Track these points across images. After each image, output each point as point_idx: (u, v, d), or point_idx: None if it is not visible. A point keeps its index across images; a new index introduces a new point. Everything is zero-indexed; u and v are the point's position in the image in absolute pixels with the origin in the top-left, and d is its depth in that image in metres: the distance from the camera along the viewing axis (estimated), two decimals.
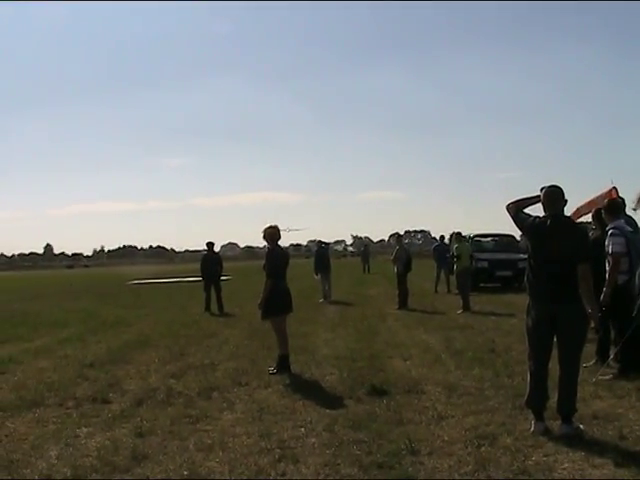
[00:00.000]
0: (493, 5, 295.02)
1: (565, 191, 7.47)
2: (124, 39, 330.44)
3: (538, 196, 7.52)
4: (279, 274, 11.64)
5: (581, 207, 15.18)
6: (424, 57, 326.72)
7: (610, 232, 9.93)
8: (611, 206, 10.46)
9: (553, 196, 7.42)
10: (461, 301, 20.67)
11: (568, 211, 7.88)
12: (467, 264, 21.51)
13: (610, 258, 9.79)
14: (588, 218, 12.94)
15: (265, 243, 11.99)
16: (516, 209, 7.64)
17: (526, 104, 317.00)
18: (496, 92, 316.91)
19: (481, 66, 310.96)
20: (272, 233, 11.77)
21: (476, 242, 29.59)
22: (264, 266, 11.67)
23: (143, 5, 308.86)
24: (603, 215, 10.53)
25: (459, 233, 22.88)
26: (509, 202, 7.70)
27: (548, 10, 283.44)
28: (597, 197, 13.94)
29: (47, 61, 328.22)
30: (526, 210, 7.67)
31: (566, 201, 7.49)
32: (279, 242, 11.93)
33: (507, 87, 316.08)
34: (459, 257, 21.41)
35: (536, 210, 7.61)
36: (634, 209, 7.83)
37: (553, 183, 7.50)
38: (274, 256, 11.70)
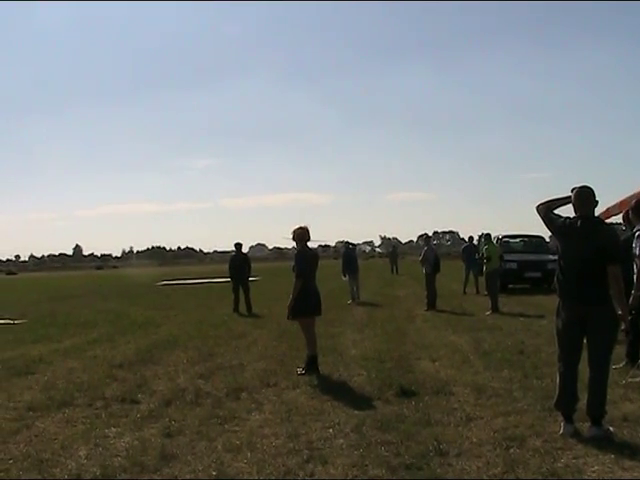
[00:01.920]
0: (519, 4, 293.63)
1: (596, 192, 7.42)
2: (151, 41, 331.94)
3: (569, 197, 7.47)
4: (308, 275, 11.64)
5: (611, 207, 15.08)
6: (450, 56, 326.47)
7: (637, 234, 9.84)
8: (638, 207, 10.36)
9: (584, 197, 7.37)
10: (490, 302, 20.59)
11: (597, 211, 7.81)
12: (497, 265, 21.42)
13: (637, 260, 9.70)
14: (619, 219, 12.84)
15: (294, 244, 12.00)
16: (546, 210, 7.60)
17: (555, 103, 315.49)
18: (524, 91, 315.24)
19: (509, 65, 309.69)
20: (301, 234, 11.77)
21: (505, 243, 29.47)
22: (293, 267, 11.68)
23: (169, 5, 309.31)
24: (630, 216, 10.45)
25: (489, 234, 22.81)
26: (539, 203, 7.66)
27: (576, 8, 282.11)
28: (629, 197, 13.81)
29: (76, 64, 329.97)
30: (556, 211, 7.63)
31: (597, 202, 7.44)
32: (308, 243, 11.94)
33: (535, 86, 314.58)
34: (489, 258, 21.34)
35: (566, 211, 7.58)
36: None
37: (584, 184, 7.46)
38: (303, 257, 11.71)
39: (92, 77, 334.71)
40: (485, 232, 23.16)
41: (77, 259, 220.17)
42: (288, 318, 11.79)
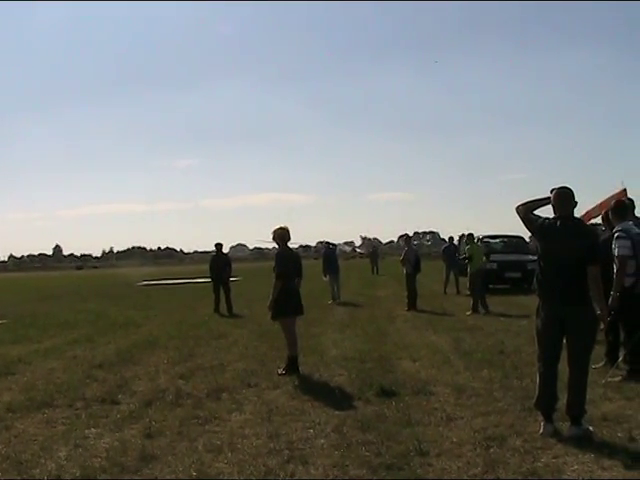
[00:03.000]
0: (500, 6, 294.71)
1: (575, 193, 7.46)
2: (133, 40, 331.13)
3: (548, 197, 7.50)
4: (288, 275, 11.65)
5: (591, 209, 15.15)
6: (432, 58, 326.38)
7: (616, 235, 9.90)
8: (617, 208, 10.42)
9: (563, 197, 7.41)
10: (471, 302, 20.66)
11: (578, 213, 7.85)
12: (480, 265, 21.45)
13: (617, 261, 9.76)
14: (599, 220, 12.90)
15: (274, 244, 12.01)
16: (526, 210, 7.63)
17: (534, 105, 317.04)
18: (504, 93, 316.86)
19: (488, 67, 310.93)
20: (282, 234, 11.78)
21: (485, 243, 29.54)
22: (274, 268, 11.69)
23: (151, 5, 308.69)
24: (610, 217, 10.51)
25: (471, 234, 22.84)
26: (519, 204, 7.69)
27: (555, 11, 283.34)
28: (608, 199, 13.88)
29: (57, 63, 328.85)
30: (536, 212, 7.66)
31: (576, 203, 7.47)
32: (288, 243, 11.95)
33: (515, 88, 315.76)
34: (470, 258, 21.42)
35: (546, 212, 7.61)
36: None
37: (563, 184, 7.49)
38: (283, 257, 11.72)
39: (74, 76, 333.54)
40: (468, 232, 23.18)
41: (57, 259, 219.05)
42: (272, 319, 11.80)
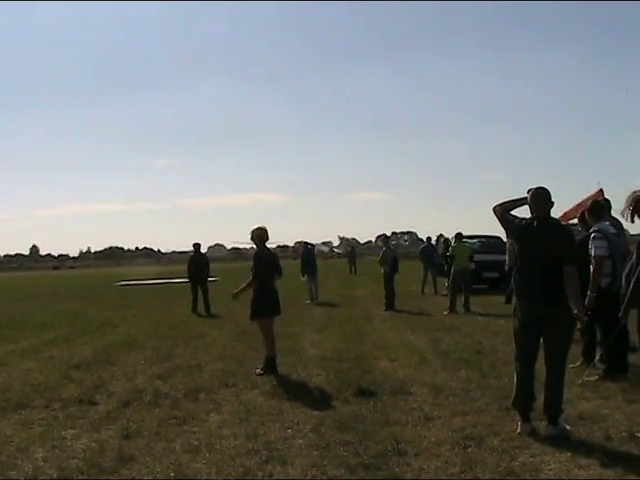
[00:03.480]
0: (476, 6, 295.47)
1: (552, 193, 7.49)
2: (113, 40, 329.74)
3: (525, 198, 7.53)
4: (266, 275, 11.65)
5: (569, 210, 15.24)
6: (408, 59, 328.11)
7: (593, 235, 9.97)
8: (593, 208, 10.49)
9: (540, 197, 7.44)
10: (448, 302, 20.74)
11: (556, 214, 7.90)
12: (463, 265, 21.48)
13: (594, 261, 9.82)
14: (576, 220, 12.98)
15: (252, 244, 12.00)
16: (503, 211, 7.66)
17: (511, 105, 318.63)
18: (480, 94, 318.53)
19: (465, 68, 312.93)
20: (260, 234, 11.78)
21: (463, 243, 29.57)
22: (252, 267, 11.69)
23: (130, 6, 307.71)
24: (586, 217, 10.57)
25: (459, 233, 22.82)
26: (496, 204, 7.71)
27: (530, 11, 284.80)
28: (585, 200, 13.98)
29: (35, 61, 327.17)
30: (513, 212, 7.69)
31: (553, 203, 7.51)
32: (266, 243, 11.95)
33: (491, 89, 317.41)
34: (452, 257, 21.55)
35: (523, 212, 7.64)
36: (623, 217, 7.84)
37: (540, 185, 7.53)
38: (261, 257, 11.72)
39: (52, 75, 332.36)
40: (457, 231, 23.14)
41: (34, 259, 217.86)
42: (251, 319, 11.81)
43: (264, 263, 11.70)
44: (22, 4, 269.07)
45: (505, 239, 23.13)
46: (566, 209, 15.50)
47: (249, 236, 11.87)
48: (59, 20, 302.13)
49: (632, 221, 7.47)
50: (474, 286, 26.35)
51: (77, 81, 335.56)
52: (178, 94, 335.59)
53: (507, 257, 23.37)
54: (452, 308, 20.35)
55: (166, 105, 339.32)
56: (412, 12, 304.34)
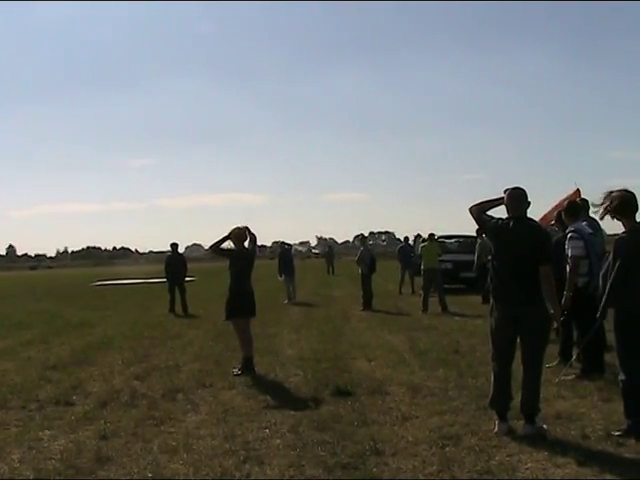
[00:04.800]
0: (452, 6, 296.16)
1: (529, 193, 7.53)
2: (88, 39, 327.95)
3: (502, 198, 7.57)
4: (242, 276, 11.65)
5: (548, 213, 15.29)
6: (385, 59, 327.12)
7: (569, 235, 10.02)
8: (570, 208, 10.56)
9: (516, 198, 7.48)
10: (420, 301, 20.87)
11: (534, 215, 7.93)
12: (431, 265, 21.51)
13: (570, 261, 9.87)
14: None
15: (232, 244, 11.99)
16: (479, 211, 7.69)
17: (488, 106, 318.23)
18: (457, 94, 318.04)
19: (441, 68, 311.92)
20: (239, 234, 11.77)
21: (440, 243, 29.63)
22: (229, 267, 11.69)
23: (107, 5, 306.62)
24: (563, 217, 10.62)
25: (432, 234, 22.83)
26: (472, 204, 7.74)
27: (506, 12, 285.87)
28: (562, 200, 14.04)
29: (13, 59, 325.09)
30: (489, 212, 7.72)
31: (529, 203, 7.55)
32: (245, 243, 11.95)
33: (468, 89, 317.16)
34: (420, 256, 21.71)
35: (499, 212, 7.67)
36: (595, 213, 7.88)
37: (517, 185, 7.56)
38: (238, 257, 11.72)
39: (28, 74, 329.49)
40: (429, 233, 23.19)
41: (11, 259, 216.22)
42: (226, 319, 11.80)
43: (241, 263, 11.70)
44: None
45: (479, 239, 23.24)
46: (545, 212, 15.55)
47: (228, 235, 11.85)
48: (31, 18, 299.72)
49: (602, 218, 7.51)
50: (452, 286, 26.52)
51: (52, 80, 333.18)
52: (155, 94, 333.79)
53: (475, 257, 23.50)
54: (424, 307, 20.42)
55: (142, 105, 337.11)
56: (389, 12, 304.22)
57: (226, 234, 11.78)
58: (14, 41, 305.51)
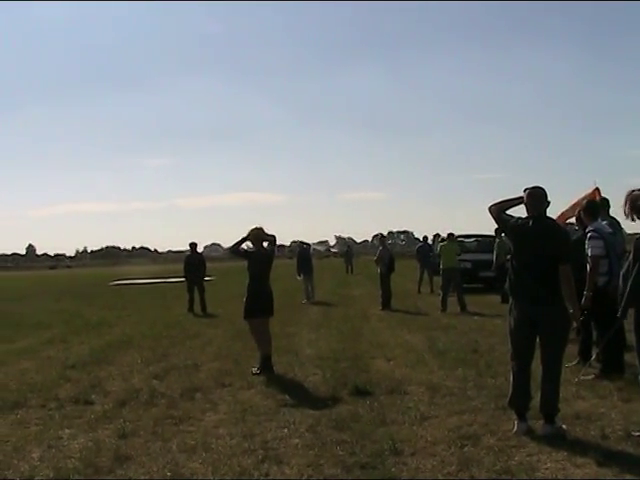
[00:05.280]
0: (466, 5, 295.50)
1: (548, 192, 7.49)
2: (107, 40, 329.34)
3: (521, 197, 7.53)
4: (261, 276, 11.65)
5: (566, 210, 15.19)
6: (402, 58, 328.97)
7: (589, 235, 9.96)
8: (589, 207, 10.48)
9: (536, 197, 7.44)
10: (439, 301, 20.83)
11: (553, 214, 7.90)
12: (450, 264, 21.45)
13: (590, 260, 9.82)
14: (574, 220, 12.97)
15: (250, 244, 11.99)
16: (498, 210, 7.66)
17: (506, 105, 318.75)
18: (475, 92, 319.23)
19: (459, 66, 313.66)
20: (257, 234, 11.77)
21: (459, 243, 29.53)
22: (247, 267, 11.69)
23: (126, 5, 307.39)
24: (582, 216, 10.56)
25: (451, 234, 22.77)
26: (491, 203, 7.71)
27: (523, 10, 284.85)
28: (581, 199, 13.95)
29: (33, 60, 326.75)
30: (509, 211, 7.69)
31: (549, 202, 7.52)
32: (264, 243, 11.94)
33: (486, 87, 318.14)
34: (439, 256, 21.65)
35: (519, 211, 7.64)
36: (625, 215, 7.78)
37: (536, 184, 7.53)
38: (256, 258, 11.71)
39: (48, 74, 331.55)
40: (449, 233, 23.12)
41: (30, 259, 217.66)
42: (244, 318, 11.83)
43: (259, 263, 11.70)
44: (9, 4, 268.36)
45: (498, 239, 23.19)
46: (563, 209, 15.45)
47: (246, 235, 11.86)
48: (48, 19, 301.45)
49: (633, 220, 7.45)
50: (471, 285, 26.43)
51: (70, 81, 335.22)
52: (173, 93, 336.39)
53: (494, 256, 23.42)
54: (443, 307, 20.39)
55: (161, 105, 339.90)
56: (406, 11, 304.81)
57: (244, 235, 11.79)
58: (30, 42, 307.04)
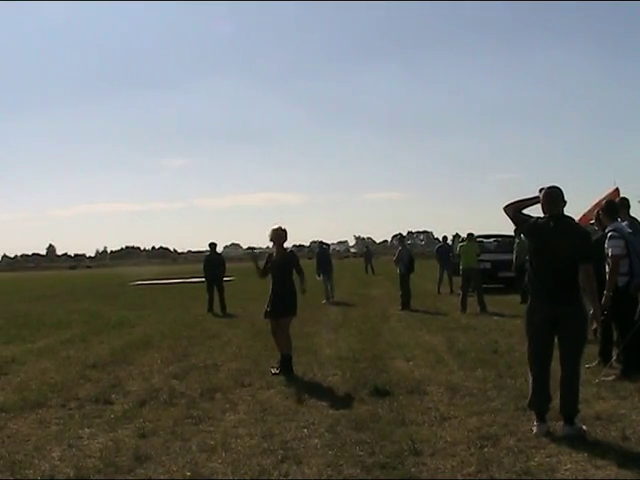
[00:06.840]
0: (485, 5, 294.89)
1: (565, 192, 7.47)
2: (127, 40, 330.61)
3: (537, 197, 7.51)
4: (282, 277, 11.65)
5: (587, 212, 15.16)
6: (421, 57, 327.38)
7: (609, 234, 9.92)
8: (608, 207, 10.44)
9: (553, 197, 7.42)
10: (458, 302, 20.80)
11: (573, 215, 7.86)
12: (471, 265, 21.41)
13: (610, 260, 9.78)
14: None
15: (271, 244, 12.02)
16: (514, 210, 7.63)
17: (525, 104, 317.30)
18: (495, 92, 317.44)
19: (478, 66, 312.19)
20: (278, 234, 11.78)
21: (479, 243, 29.46)
22: (269, 268, 11.73)
23: (144, 5, 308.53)
24: (601, 216, 10.53)
25: (471, 234, 22.73)
26: (507, 203, 7.68)
27: (541, 9, 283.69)
28: (601, 200, 13.91)
29: (51, 62, 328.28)
30: (525, 211, 7.66)
31: (565, 202, 7.49)
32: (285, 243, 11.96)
33: (506, 87, 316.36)
34: (459, 256, 21.64)
35: (534, 211, 7.62)
36: None
37: (552, 184, 7.50)
38: (276, 260, 11.73)
39: (68, 75, 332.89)
40: (469, 233, 23.08)
41: (50, 259, 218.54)
42: (264, 317, 11.86)
43: (275, 264, 11.71)
44: (26, 4, 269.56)
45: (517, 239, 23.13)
46: (584, 211, 15.41)
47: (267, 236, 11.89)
48: (69, 20, 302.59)
49: None
50: (491, 286, 26.36)
51: (90, 82, 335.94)
52: (192, 94, 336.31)
53: (514, 257, 23.33)
54: (462, 307, 20.37)
55: (180, 105, 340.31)
56: (424, 10, 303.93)
57: (262, 265, 11.87)
58: (50, 44, 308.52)
